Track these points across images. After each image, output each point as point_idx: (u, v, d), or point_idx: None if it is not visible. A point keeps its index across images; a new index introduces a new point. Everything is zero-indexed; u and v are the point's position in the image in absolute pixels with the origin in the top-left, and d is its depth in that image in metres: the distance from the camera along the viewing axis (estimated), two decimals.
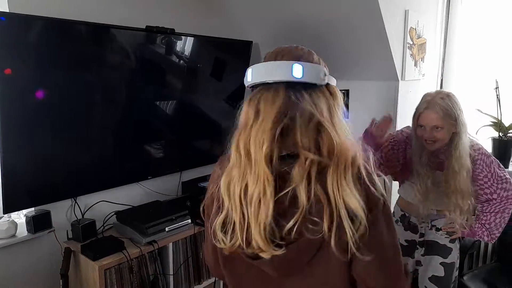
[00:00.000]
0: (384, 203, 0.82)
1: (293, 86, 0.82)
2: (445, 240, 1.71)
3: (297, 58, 0.85)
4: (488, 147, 2.75)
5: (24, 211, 1.94)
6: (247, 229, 0.81)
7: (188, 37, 2.30)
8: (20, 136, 1.72)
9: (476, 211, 1.75)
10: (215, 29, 2.55)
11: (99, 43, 1.92)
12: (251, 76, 0.87)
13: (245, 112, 0.84)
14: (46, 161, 1.84)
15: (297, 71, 0.82)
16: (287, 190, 0.78)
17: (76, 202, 2.06)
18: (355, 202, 0.76)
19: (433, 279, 1.77)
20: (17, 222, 1.92)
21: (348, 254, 0.79)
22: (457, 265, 1.76)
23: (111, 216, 2.16)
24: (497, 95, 2.63)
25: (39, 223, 1.90)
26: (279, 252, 0.80)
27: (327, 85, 0.86)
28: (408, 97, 2.57)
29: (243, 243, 0.82)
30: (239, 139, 0.83)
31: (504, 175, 1.68)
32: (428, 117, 1.60)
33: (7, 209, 1.77)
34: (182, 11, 2.46)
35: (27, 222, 1.90)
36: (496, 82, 2.64)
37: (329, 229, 0.77)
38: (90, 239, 1.96)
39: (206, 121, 2.63)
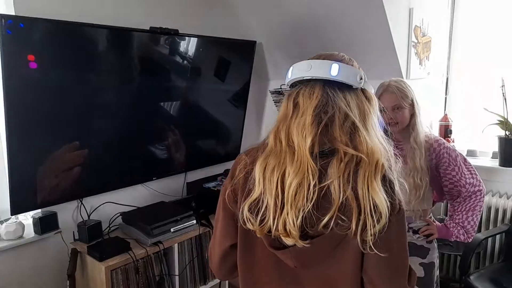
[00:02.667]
0: (401, 207, 0.86)
1: (330, 85, 0.87)
2: (422, 241, 1.72)
3: (337, 61, 0.89)
4: (495, 145, 2.73)
5: (31, 213, 1.95)
6: (280, 213, 0.84)
7: (192, 38, 2.30)
8: (26, 138, 1.73)
9: (448, 212, 1.78)
10: (219, 29, 2.55)
11: (104, 45, 1.93)
12: (291, 73, 0.92)
13: (284, 105, 0.90)
14: (52, 163, 1.85)
15: (334, 69, 0.86)
16: (323, 185, 0.82)
17: (82, 203, 2.07)
18: (383, 201, 0.81)
19: None
20: (24, 223, 1.93)
21: (364, 249, 0.84)
22: (437, 264, 1.76)
23: (117, 217, 2.17)
24: (503, 93, 2.61)
25: (46, 225, 1.91)
26: (304, 243, 0.84)
27: (364, 90, 0.90)
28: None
29: (272, 226, 0.85)
30: (280, 129, 0.88)
31: (470, 171, 1.71)
32: (387, 99, 1.66)
33: (15, 211, 1.79)
34: (185, 11, 2.46)
35: (34, 224, 1.91)
36: (502, 80, 2.61)
37: (356, 227, 0.81)
38: (96, 240, 1.97)
39: (211, 121, 2.63)
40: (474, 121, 2.88)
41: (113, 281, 1.81)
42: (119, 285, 1.84)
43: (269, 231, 0.86)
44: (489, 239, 2.60)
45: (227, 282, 2.41)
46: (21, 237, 1.89)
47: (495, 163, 2.73)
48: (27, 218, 2.01)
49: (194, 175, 2.64)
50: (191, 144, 2.54)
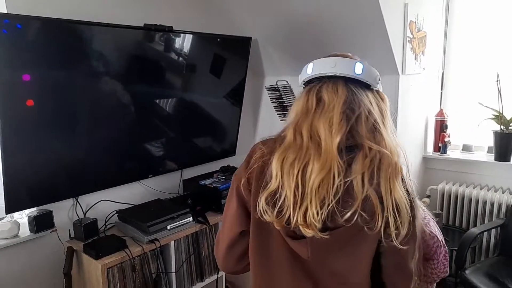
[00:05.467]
0: (416, 206, 0.91)
1: (351, 83, 0.89)
2: None
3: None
4: (490, 140, 2.75)
5: (26, 211, 1.94)
6: (300, 206, 0.84)
7: (187, 34, 2.29)
8: (21, 136, 1.72)
9: None
10: (214, 26, 2.54)
11: (98, 42, 1.92)
12: (311, 68, 0.93)
13: (305, 100, 0.91)
14: (47, 161, 1.84)
15: (359, 68, 0.88)
16: (347, 180, 0.83)
17: (77, 201, 2.07)
18: (404, 199, 0.84)
19: None
20: (19, 222, 1.92)
21: (387, 243, 0.87)
22: None
23: (113, 215, 2.16)
24: (498, 88, 2.62)
25: (41, 223, 1.90)
26: (323, 235, 0.85)
27: (378, 91, 0.93)
28: (409, 91, 2.56)
29: (292, 218, 0.85)
30: (300, 124, 0.88)
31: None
32: None
33: (10, 209, 1.77)
34: (180, 8, 2.45)
35: (30, 222, 1.91)
36: (497, 75, 2.62)
37: (380, 225, 0.84)
38: (92, 238, 1.96)
39: (206, 118, 2.62)
40: (470, 116, 2.89)
41: (110, 279, 1.81)
42: (116, 283, 1.84)
43: (287, 223, 0.87)
44: (485, 233, 2.62)
45: (224, 279, 2.41)
46: (16, 236, 1.89)
47: (491, 157, 2.75)
48: (22, 217, 2.00)
49: (190, 172, 2.63)
50: (187, 141, 2.54)
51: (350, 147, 0.85)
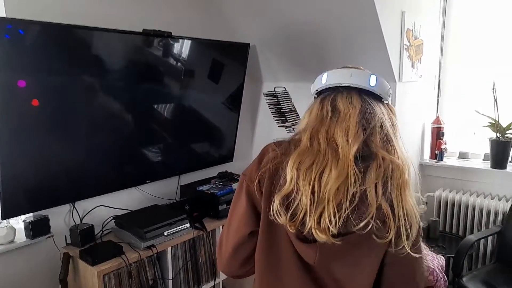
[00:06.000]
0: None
1: (365, 94, 0.91)
2: None
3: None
4: (486, 147, 2.76)
5: (23, 217, 1.93)
6: (315, 210, 0.85)
7: (186, 40, 2.30)
8: (18, 141, 1.71)
9: None
10: (212, 32, 2.55)
11: (96, 47, 1.92)
12: (326, 78, 0.94)
13: (319, 107, 0.92)
14: (44, 166, 1.84)
15: (373, 80, 0.91)
16: (361, 188, 0.84)
17: (74, 207, 2.05)
18: (414, 210, 0.87)
19: None
20: (15, 227, 1.91)
21: (389, 254, 0.90)
22: None
23: (110, 220, 2.15)
24: (494, 96, 2.64)
25: (37, 229, 1.89)
26: (334, 240, 0.85)
27: (388, 104, 0.96)
28: (406, 99, 2.58)
29: (308, 221, 0.85)
30: (318, 130, 0.89)
31: None
32: None
33: (6, 215, 1.76)
34: (179, 14, 2.46)
35: (26, 228, 1.89)
36: (493, 83, 2.65)
37: (392, 235, 0.86)
38: (89, 244, 1.95)
39: (204, 124, 2.63)
40: (466, 123, 2.91)
41: (106, 286, 1.79)
42: None
43: (300, 226, 0.87)
44: (481, 240, 2.63)
45: (221, 286, 2.40)
46: (12, 241, 1.87)
47: (487, 165, 2.76)
48: (18, 222, 1.99)
49: (188, 178, 2.63)
50: (184, 146, 2.54)
51: (364, 156, 0.87)
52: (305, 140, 0.89)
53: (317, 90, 0.97)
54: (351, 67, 0.96)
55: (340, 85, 0.91)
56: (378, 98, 0.93)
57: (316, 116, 0.91)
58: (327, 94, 0.93)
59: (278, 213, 0.87)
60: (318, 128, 0.89)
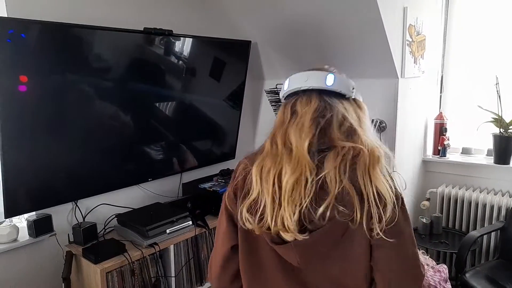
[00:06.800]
0: (402, 197, 0.90)
1: (326, 94, 0.93)
2: None
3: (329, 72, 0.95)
4: (489, 143, 2.75)
5: (26, 215, 1.94)
6: (278, 210, 0.87)
7: (187, 38, 2.29)
8: (20, 141, 1.72)
9: None
10: (213, 29, 2.55)
11: (98, 46, 1.92)
12: (287, 84, 0.97)
13: (281, 113, 0.96)
14: (46, 165, 1.84)
15: (330, 79, 0.93)
16: (319, 177, 0.85)
17: (77, 205, 2.06)
18: (387, 189, 0.85)
19: None
20: (18, 226, 1.92)
21: (372, 237, 0.86)
22: None
23: (112, 219, 2.16)
24: (497, 91, 2.63)
25: (40, 227, 1.90)
26: (303, 237, 0.85)
27: (355, 99, 0.97)
28: (408, 95, 2.57)
29: (271, 222, 0.87)
30: (276, 134, 0.93)
31: None
32: None
33: (9, 214, 1.77)
34: (180, 12, 2.45)
35: (29, 226, 1.90)
36: (496, 78, 2.63)
37: (361, 216, 0.84)
38: (92, 242, 1.96)
39: (206, 121, 2.62)
40: (469, 119, 2.89)
41: (109, 284, 1.80)
42: (115, 287, 1.83)
43: (268, 228, 0.88)
44: (484, 236, 2.62)
45: None
46: (15, 240, 1.88)
47: (490, 160, 2.75)
48: (21, 221, 2.00)
49: (190, 176, 2.63)
50: (186, 144, 2.54)
51: (323, 150, 0.88)
52: (267, 145, 0.93)
53: (283, 97, 1.01)
54: (314, 68, 0.98)
55: (299, 89, 0.94)
56: (340, 96, 0.94)
57: (278, 121, 0.96)
58: (290, 99, 0.97)
59: (246, 218, 0.90)
60: (278, 132, 0.93)
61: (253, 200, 0.90)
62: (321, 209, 0.84)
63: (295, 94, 0.95)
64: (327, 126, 0.89)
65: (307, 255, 0.89)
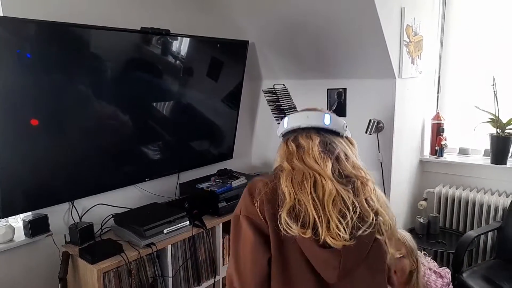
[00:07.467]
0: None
1: (323, 131, 1.03)
2: None
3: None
4: (486, 143, 2.76)
5: (22, 215, 1.93)
6: (322, 218, 0.91)
7: (184, 38, 2.29)
8: (16, 140, 1.71)
9: None
10: (211, 29, 2.54)
11: (94, 46, 1.91)
12: (287, 123, 1.07)
13: (285, 146, 1.04)
14: (43, 165, 1.83)
15: (327, 119, 1.04)
16: (358, 199, 0.94)
17: (73, 205, 2.05)
18: (391, 214, 1.00)
19: None
20: (14, 226, 1.91)
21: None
22: None
23: (109, 219, 2.15)
24: (494, 91, 2.64)
25: (36, 227, 1.89)
26: (350, 243, 0.91)
27: (347, 136, 1.08)
28: (406, 95, 2.57)
29: (321, 229, 0.90)
30: (291, 158, 1.00)
31: None
32: None
33: (4, 214, 1.76)
34: (177, 11, 2.45)
35: (25, 226, 1.89)
36: (493, 78, 2.64)
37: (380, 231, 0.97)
38: (88, 242, 1.95)
39: (203, 121, 2.62)
40: (466, 119, 2.90)
41: (106, 284, 1.79)
42: (112, 287, 1.82)
43: (314, 234, 0.91)
44: (481, 236, 2.62)
45: (221, 284, 2.40)
46: (11, 240, 1.87)
47: (487, 160, 2.76)
48: (17, 221, 1.99)
49: (187, 176, 2.62)
50: (183, 144, 2.53)
51: (343, 176, 0.98)
52: (286, 166, 0.99)
53: (282, 134, 1.09)
54: (310, 109, 1.08)
55: (299, 127, 1.04)
56: (335, 133, 1.04)
57: (285, 152, 1.03)
58: (290, 135, 1.05)
59: (288, 225, 0.91)
60: (291, 158, 1.00)
61: (290, 207, 0.92)
62: (364, 228, 0.92)
63: (294, 132, 1.04)
64: (337, 161, 0.99)
65: (348, 261, 0.93)
